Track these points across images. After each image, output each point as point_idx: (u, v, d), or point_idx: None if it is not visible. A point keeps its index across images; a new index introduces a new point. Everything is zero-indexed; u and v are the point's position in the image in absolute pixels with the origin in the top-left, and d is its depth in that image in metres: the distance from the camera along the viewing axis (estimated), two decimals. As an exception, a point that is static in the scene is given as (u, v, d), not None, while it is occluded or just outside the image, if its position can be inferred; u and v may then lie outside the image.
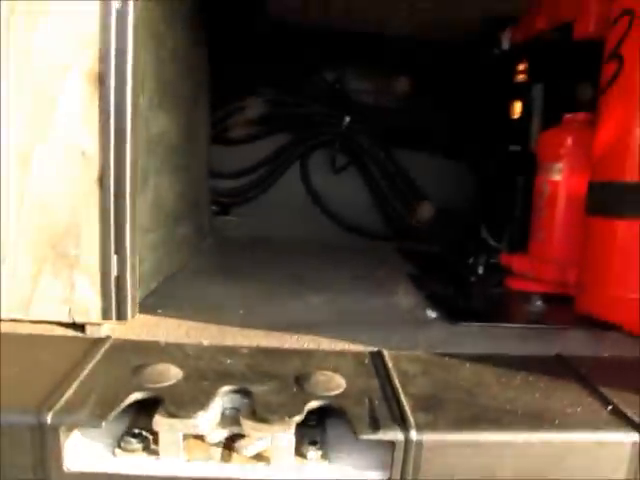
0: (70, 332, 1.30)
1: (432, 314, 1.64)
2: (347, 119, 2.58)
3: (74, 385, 1.03)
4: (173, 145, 1.83)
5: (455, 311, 1.61)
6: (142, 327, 1.35)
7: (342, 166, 2.72)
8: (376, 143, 2.64)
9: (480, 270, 2.00)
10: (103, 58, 1.19)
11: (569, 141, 1.89)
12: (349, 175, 2.74)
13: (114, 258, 1.25)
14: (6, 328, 1.27)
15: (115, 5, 1.18)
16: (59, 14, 1.19)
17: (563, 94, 2.02)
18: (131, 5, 1.19)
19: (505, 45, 2.37)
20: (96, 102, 1.20)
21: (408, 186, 2.68)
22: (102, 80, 1.20)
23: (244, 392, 1.07)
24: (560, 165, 1.91)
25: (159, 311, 1.48)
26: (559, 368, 1.24)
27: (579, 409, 1.06)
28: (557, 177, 1.91)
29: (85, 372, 1.09)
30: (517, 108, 2.40)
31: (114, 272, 1.25)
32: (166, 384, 1.06)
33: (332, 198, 2.73)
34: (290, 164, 2.71)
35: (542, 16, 2.16)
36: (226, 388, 1.07)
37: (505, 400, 1.08)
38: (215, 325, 1.41)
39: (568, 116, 1.94)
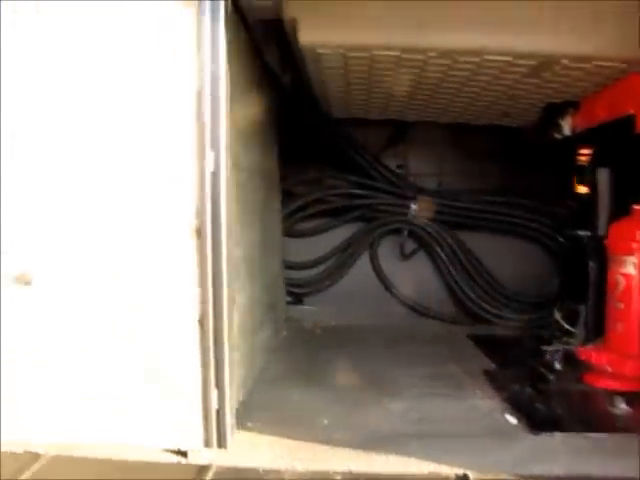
0: (173, 457, 1.44)
1: (512, 420, 1.69)
2: (413, 207, 2.70)
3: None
4: (253, 257, 2.00)
5: (536, 418, 1.66)
6: (239, 449, 1.47)
7: (410, 252, 2.82)
8: (443, 228, 2.74)
9: (557, 366, 2.04)
10: (200, 214, 1.37)
11: (640, 234, 1.94)
12: (419, 260, 2.84)
13: (214, 392, 1.39)
14: (113, 453, 1.43)
15: (209, 169, 1.36)
16: (159, 178, 1.38)
17: (631, 183, 2.07)
18: (223, 168, 1.37)
19: (566, 131, 2.44)
20: (195, 252, 1.37)
21: (478, 269, 2.75)
22: (200, 233, 1.37)
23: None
24: (634, 259, 1.95)
25: (249, 424, 1.61)
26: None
27: None
28: (632, 271, 1.95)
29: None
30: (581, 190, 2.45)
31: (214, 405, 1.39)
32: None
33: (402, 284, 2.84)
34: (360, 253, 2.84)
35: (602, 105, 2.24)
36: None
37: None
38: (304, 442, 1.52)
39: (638, 207, 1.99)
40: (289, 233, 2.77)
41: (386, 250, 2.85)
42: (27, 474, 1.33)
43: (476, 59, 2.02)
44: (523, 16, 1.84)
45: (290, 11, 1.91)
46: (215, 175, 1.36)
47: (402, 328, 2.71)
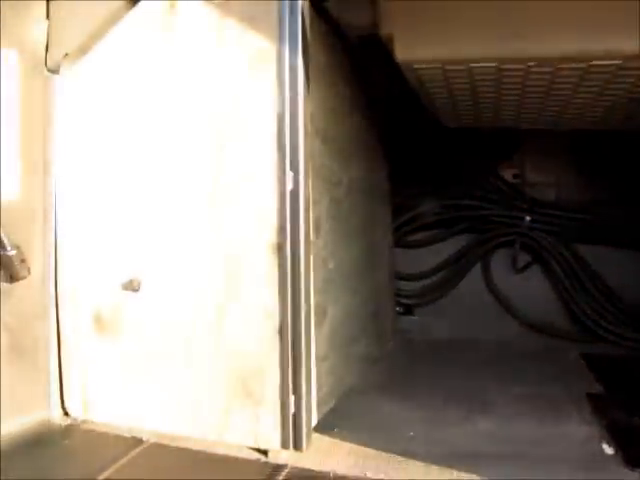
0: (255, 454, 1.58)
1: (609, 450, 1.60)
2: (527, 219, 2.62)
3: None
4: (351, 270, 2.09)
5: (634, 450, 1.56)
6: (316, 453, 1.57)
7: (524, 265, 2.74)
8: (559, 240, 2.62)
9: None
10: (281, 231, 1.49)
11: None
12: (533, 273, 2.75)
13: (292, 398, 1.50)
14: (204, 446, 1.60)
15: (289, 188, 1.48)
16: (245, 197, 1.53)
17: None
18: (302, 186, 1.48)
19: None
20: (276, 267, 1.50)
21: (595, 284, 2.59)
22: (280, 248, 1.50)
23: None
24: None
25: (335, 430, 1.70)
26: None
27: None
28: None
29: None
30: None
31: (291, 410, 1.50)
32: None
33: (515, 297, 2.75)
34: (472, 265, 2.81)
35: None
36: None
37: None
38: (381, 452, 1.58)
39: None
40: (398, 244, 2.81)
41: (499, 263, 2.79)
42: (131, 454, 1.55)
43: (582, 65, 1.94)
44: (626, 15, 1.75)
45: (386, 27, 1.99)
46: (294, 194, 1.48)
47: (513, 344, 2.63)
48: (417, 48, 1.99)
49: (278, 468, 1.49)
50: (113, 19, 1.67)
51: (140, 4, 1.62)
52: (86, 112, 1.70)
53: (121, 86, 1.65)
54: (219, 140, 1.54)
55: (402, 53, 1.99)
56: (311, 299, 1.54)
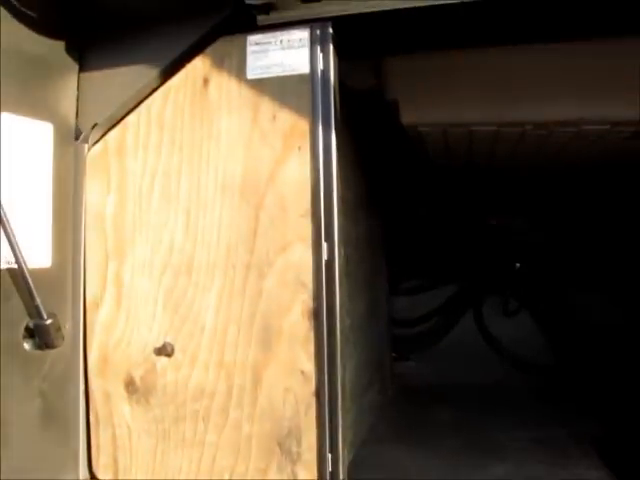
0: (292, 513, 1.65)
1: (619, 493, 1.75)
2: (517, 265, 2.79)
3: None
4: (361, 324, 2.20)
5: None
6: (350, 509, 1.66)
7: (514, 310, 2.90)
8: (548, 286, 2.80)
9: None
10: (316, 298, 1.59)
11: None
12: (524, 317, 2.92)
13: (329, 456, 1.58)
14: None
15: (324, 258, 1.59)
16: (282, 267, 1.62)
17: None
18: (336, 256, 1.59)
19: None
20: (312, 332, 1.59)
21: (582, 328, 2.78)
22: (316, 315, 1.59)
23: None
24: None
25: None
26: None
27: None
28: None
29: None
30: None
31: (329, 468, 1.58)
32: None
33: (507, 342, 2.91)
34: (464, 311, 2.96)
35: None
36: None
37: None
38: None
39: None
40: (394, 292, 2.94)
41: (491, 308, 2.96)
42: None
43: (573, 129, 2.13)
44: (615, 86, 1.95)
45: (391, 93, 2.14)
46: (329, 263, 1.58)
47: (507, 386, 2.78)
48: (421, 113, 2.15)
49: (318, 524, 1.56)
50: (143, 92, 1.76)
51: (173, 80, 1.72)
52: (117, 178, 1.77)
53: (154, 155, 1.73)
54: (255, 212, 1.64)
55: (407, 117, 2.14)
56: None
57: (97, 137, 1.79)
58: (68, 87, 1.78)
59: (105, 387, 1.77)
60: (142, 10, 1.72)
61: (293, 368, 1.61)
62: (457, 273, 2.93)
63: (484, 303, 2.95)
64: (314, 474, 1.61)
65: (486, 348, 2.91)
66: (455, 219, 2.92)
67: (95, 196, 1.78)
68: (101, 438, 1.78)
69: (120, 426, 1.76)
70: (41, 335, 1.65)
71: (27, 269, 1.57)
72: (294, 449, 1.62)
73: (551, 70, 2.00)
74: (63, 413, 1.75)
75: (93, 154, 1.78)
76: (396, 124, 2.17)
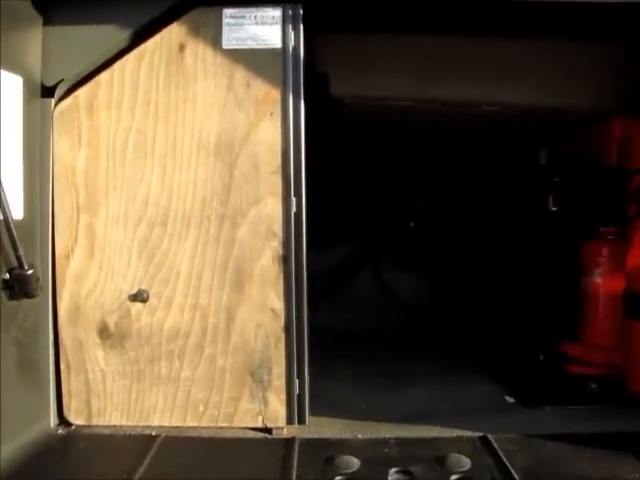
0: (260, 434, 1.98)
1: (510, 399, 2.32)
2: (412, 224, 3.32)
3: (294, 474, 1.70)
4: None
5: (528, 397, 2.29)
6: (309, 427, 2.02)
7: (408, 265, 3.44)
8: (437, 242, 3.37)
9: (541, 357, 2.68)
10: (285, 245, 1.91)
11: (605, 251, 2.59)
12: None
13: (296, 381, 1.93)
14: (211, 433, 1.95)
15: (293, 210, 1.90)
16: (254, 217, 1.91)
17: (596, 210, 2.72)
18: (304, 209, 1.91)
19: (542, 161, 3.11)
20: (281, 274, 1.91)
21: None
22: (285, 260, 1.91)
23: (405, 472, 1.73)
24: (599, 270, 2.60)
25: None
26: (619, 444, 1.88)
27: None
28: (598, 279, 2.60)
29: (295, 462, 1.75)
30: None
31: (296, 391, 1.94)
32: (352, 470, 1.73)
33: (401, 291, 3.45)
34: (364, 265, 3.43)
35: (570, 144, 2.91)
36: (393, 469, 1.73)
37: (581, 469, 1.73)
38: (357, 420, 2.08)
39: (602, 229, 2.64)
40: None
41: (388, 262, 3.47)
42: (152, 451, 1.83)
43: (474, 108, 2.64)
44: (507, 74, 2.48)
45: (322, 67, 2.48)
46: (298, 215, 1.91)
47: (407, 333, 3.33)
48: (348, 86, 2.53)
49: (289, 441, 1.91)
50: (112, 51, 1.92)
51: (147, 43, 1.90)
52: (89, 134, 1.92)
53: (128, 113, 1.91)
54: (230, 169, 1.90)
55: (335, 89, 2.50)
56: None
57: (63, 93, 1.93)
58: (34, 40, 1.88)
59: (77, 335, 1.94)
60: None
61: (264, 306, 1.93)
62: (357, 232, 3.38)
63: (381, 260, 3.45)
64: (283, 398, 1.95)
65: (384, 298, 3.42)
66: (360, 184, 3.35)
67: (64, 151, 1.92)
68: (73, 384, 1.95)
69: (93, 371, 1.95)
70: (22, 285, 1.78)
71: (12, 220, 1.70)
72: (265, 377, 1.94)
73: (458, 59, 2.48)
74: (35, 362, 1.91)
75: (61, 109, 1.92)
76: (325, 95, 2.52)
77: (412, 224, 3.29)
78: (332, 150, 3.19)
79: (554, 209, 3.01)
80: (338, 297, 3.41)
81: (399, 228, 3.33)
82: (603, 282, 2.60)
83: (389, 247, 3.41)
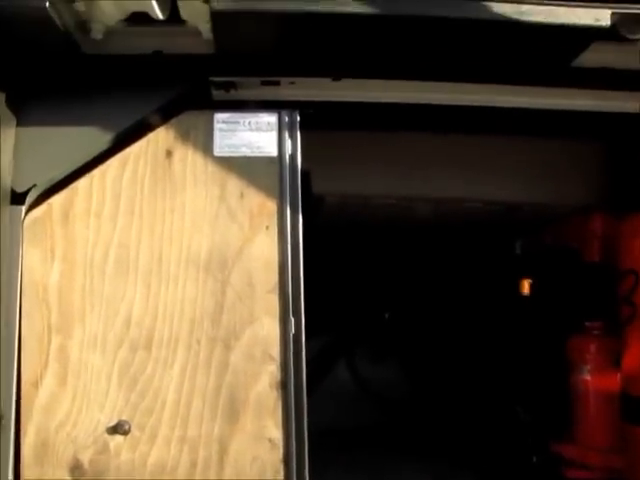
0: None
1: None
2: (386, 315, 3.24)
3: None
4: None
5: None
6: None
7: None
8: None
9: (534, 459, 2.61)
10: (283, 369, 1.77)
11: (592, 347, 2.57)
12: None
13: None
14: None
15: (291, 332, 1.78)
16: (249, 340, 1.77)
17: (580, 305, 2.72)
18: (302, 332, 1.79)
19: (518, 250, 3.12)
20: (280, 401, 1.77)
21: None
22: (284, 385, 1.77)
23: None
24: (588, 367, 2.57)
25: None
26: None
27: None
28: (587, 376, 2.57)
29: None
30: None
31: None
32: None
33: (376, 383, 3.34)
34: (337, 359, 3.31)
35: (550, 235, 2.93)
36: None
37: None
38: None
39: (588, 324, 2.63)
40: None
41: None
42: None
43: (456, 204, 2.63)
44: (490, 170, 2.50)
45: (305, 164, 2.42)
46: (297, 337, 1.78)
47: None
48: (329, 183, 2.48)
49: None
50: (90, 155, 1.78)
51: (132, 147, 1.77)
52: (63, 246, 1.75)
53: (109, 223, 1.76)
54: (222, 287, 1.77)
55: (317, 187, 2.44)
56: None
57: (35, 200, 1.76)
58: (6, 142, 1.72)
59: (44, 475, 1.72)
60: (99, 74, 1.75)
61: (261, 437, 1.77)
62: (331, 324, 3.26)
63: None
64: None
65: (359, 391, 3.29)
66: (336, 277, 3.26)
67: (35, 264, 1.74)
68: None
69: (62, 517, 1.73)
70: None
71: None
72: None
73: (441, 156, 2.49)
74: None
75: (33, 218, 1.75)
76: (307, 192, 2.45)
77: (387, 315, 3.22)
78: (309, 244, 3.12)
79: (527, 297, 3.02)
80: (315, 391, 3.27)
81: (374, 319, 3.25)
82: (593, 379, 2.57)
83: (364, 338, 3.32)
